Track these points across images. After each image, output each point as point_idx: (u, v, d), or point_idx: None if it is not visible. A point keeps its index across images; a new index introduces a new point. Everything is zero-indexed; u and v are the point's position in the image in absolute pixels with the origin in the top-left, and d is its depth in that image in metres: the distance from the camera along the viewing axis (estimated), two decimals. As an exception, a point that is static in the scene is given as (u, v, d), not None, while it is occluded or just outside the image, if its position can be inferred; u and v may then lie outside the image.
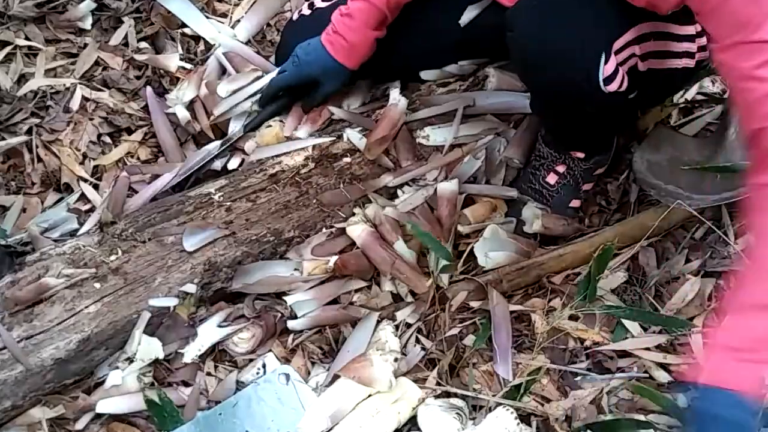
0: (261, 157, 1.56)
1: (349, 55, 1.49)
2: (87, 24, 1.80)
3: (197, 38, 1.84)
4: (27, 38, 1.76)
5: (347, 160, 1.57)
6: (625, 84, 1.30)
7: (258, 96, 1.62)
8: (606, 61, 1.24)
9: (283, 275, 1.46)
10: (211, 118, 1.71)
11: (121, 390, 1.33)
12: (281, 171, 1.54)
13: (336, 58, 1.49)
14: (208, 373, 1.39)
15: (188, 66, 1.80)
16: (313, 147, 1.58)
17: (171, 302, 1.39)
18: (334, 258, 1.45)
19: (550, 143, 1.55)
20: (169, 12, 1.83)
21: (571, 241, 1.53)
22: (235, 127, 1.70)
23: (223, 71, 1.77)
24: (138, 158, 1.70)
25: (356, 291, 1.46)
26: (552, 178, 1.56)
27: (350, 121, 1.62)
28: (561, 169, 1.55)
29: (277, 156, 1.56)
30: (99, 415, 1.32)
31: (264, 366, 1.38)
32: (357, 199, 1.54)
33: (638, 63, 1.31)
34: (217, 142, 1.65)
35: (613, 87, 1.28)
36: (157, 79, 1.80)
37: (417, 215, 1.51)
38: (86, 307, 1.34)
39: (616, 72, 1.27)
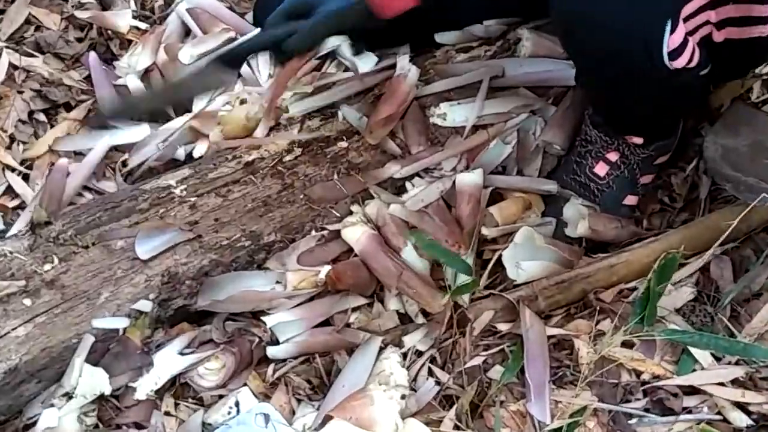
0: (229, 144, 1.56)
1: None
2: (15, -27, 1.81)
3: (154, -9, 1.84)
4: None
5: (343, 144, 1.57)
6: (696, 58, 1.28)
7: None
8: (672, 31, 1.23)
9: (262, 290, 1.45)
10: (172, 90, 1.71)
11: (58, 434, 1.31)
12: (260, 158, 1.54)
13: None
14: (167, 413, 1.38)
15: (143, 26, 1.80)
16: (300, 127, 1.57)
17: (120, 323, 1.38)
18: (326, 268, 1.44)
19: (600, 125, 1.54)
20: (119, -42, 1.84)
21: (625, 247, 1.52)
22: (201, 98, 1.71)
23: (187, 32, 1.77)
24: (79, 141, 1.69)
25: (354, 310, 1.46)
26: (602, 169, 1.55)
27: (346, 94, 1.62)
28: (613, 157, 1.55)
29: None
30: (29, 466, 1.31)
31: (237, 404, 1.36)
32: (355, 194, 1.53)
33: (713, 32, 1.30)
34: (180, 120, 1.65)
35: (680, 63, 1.26)
36: (103, 42, 1.79)
37: (430, 215, 1.51)
38: (13, 329, 1.32)
39: (684, 44, 1.25)
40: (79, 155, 1.65)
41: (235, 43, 1.59)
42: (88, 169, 1.57)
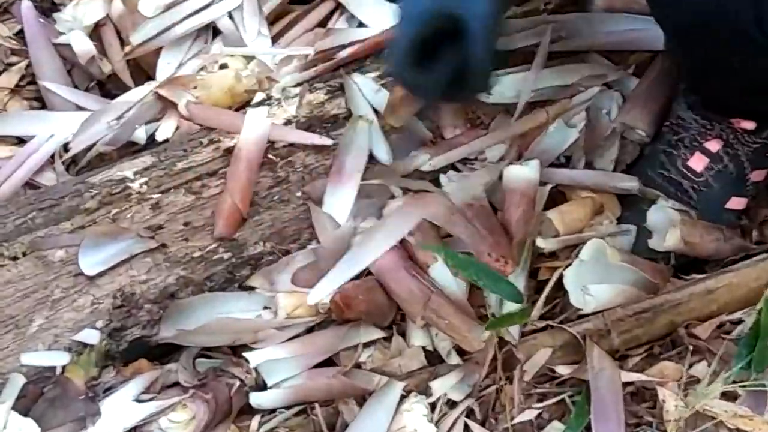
0: (206, 122, 1.58)
1: None
2: None
3: None
4: None
5: (354, 125, 1.58)
6: None
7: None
8: None
9: (245, 317, 1.45)
10: (127, 49, 1.72)
11: (-25, 504, 1.33)
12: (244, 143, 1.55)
13: None
14: (119, 479, 1.38)
15: (92, -35, 1.80)
16: (298, 102, 1.57)
17: (58, 359, 1.39)
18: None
19: (697, 104, 1.54)
20: None
21: (727, 266, 1.52)
22: (168, 63, 1.71)
23: (151, -27, 1.78)
24: (8, 116, 1.71)
25: (366, 345, 1.46)
26: (699, 162, 1.55)
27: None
28: (714, 146, 1.54)
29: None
30: None
31: (211, 468, 1.37)
32: (370, 192, 1.54)
33: None
34: (140, 90, 1.67)
35: None
36: (40, -14, 1.80)
37: (469, 219, 1.51)
38: None
39: None
40: (9, 139, 1.67)
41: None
42: (31, 166, 1.60)
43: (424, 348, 1.46)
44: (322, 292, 1.44)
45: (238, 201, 1.48)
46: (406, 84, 1.38)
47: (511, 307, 1.43)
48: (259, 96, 1.61)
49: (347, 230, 1.49)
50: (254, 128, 1.53)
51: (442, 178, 1.56)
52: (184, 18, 1.72)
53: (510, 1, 1.43)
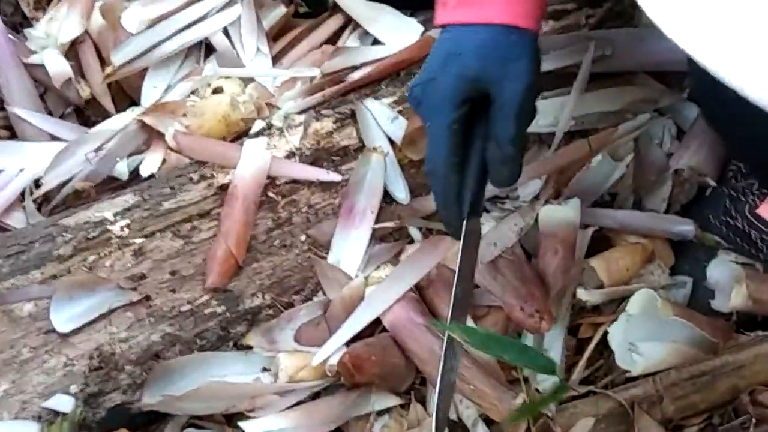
0: (197, 155, 1.57)
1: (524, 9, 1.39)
2: None
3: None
4: None
5: (367, 159, 1.58)
6: None
7: None
8: None
9: (240, 381, 1.45)
10: (108, 70, 1.72)
11: None
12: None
13: (504, 21, 1.38)
14: None
15: (69, -24, 1.81)
16: (303, 133, 1.57)
17: (26, 430, 1.37)
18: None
19: None
20: None
21: (799, 325, 1.51)
22: (154, 86, 1.71)
23: (133, -16, 1.78)
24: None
25: (380, 414, 1.46)
26: (769, 210, 1.55)
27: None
28: (788, 192, 1.55)
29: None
30: None
31: None
32: (385, 236, 1.54)
33: None
34: (122, 117, 1.67)
35: None
36: (11, 0, 1.80)
37: (498, 268, 1.50)
38: None
39: None
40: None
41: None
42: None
43: (447, 418, 1.44)
44: (330, 352, 1.44)
45: (233, 246, 1.47)
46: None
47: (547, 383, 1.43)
48: (258, 125, 1.60)
49: (359, 282, 1.47)
50: (252, 162, 1.53)
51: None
52: (173, 34, 1.73)
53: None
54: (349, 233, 1.52)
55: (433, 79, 1.28)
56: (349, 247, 1.51)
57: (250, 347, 1.48)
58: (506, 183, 1.28)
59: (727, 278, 1.52)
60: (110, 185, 1.62)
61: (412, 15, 1.71)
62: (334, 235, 1.52)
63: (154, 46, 1.73)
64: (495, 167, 1.27)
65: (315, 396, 1.46)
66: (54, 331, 1.41)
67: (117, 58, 1.71)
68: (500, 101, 1.25)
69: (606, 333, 1.47)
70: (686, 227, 1.57)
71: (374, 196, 1.54)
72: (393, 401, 1.46)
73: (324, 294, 1.51)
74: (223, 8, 1.76)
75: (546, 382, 1.45)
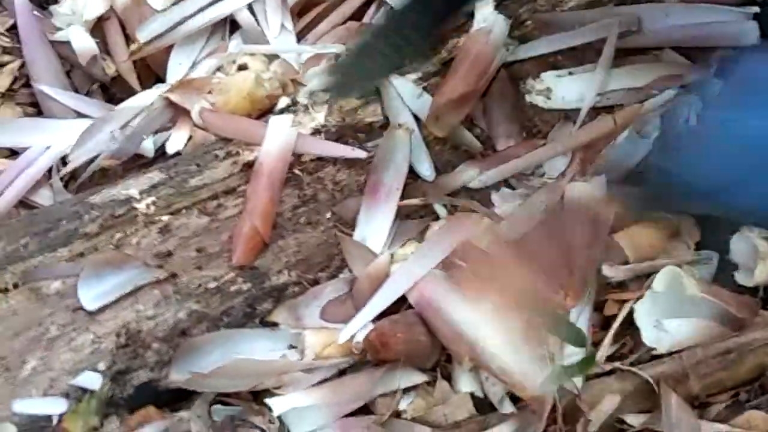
0: (223, 131, 1.57)
1: None
2: None
3: None
4: None
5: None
6: None
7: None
8: None
9: (267, 358, 1.45)
10: (134, 47, 1.73)
11: None
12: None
13: None
14: None
15: (95, -47, 1.81)
16: (328, 110, 1.57)
17: (54, 407, 1.38)
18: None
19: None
20: None
21: (827, 301, 1.51)
22: (179, 63, 1.71)
23: (163, -39, 1.78)
24: (-1, 123, 1.72)
25: (407, 391, 1.46)
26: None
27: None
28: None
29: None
30: None
31: None
32: (411, 213, 1.54)
33: None
34: (148, 94, 1.67)
35: None
36: (36, -23, 1.81)
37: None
38: None
39: None
40: (1, 150, 1.68)
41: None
42: (26, 182, 1.59)
43: (472, 394, 1.46)
44: (356, 329, 1.44)
45: (258, 224, 1.47)
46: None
47: (573, 348, 1.41)
48: (284, 101, 1.60)
49: (384, 259, 1.47)
50: (278, 139, 1.53)
51: (494, 196, 1.56)
52: (198, 11, 1.73)
53: None
54: (374, 210, 1.52)
55: None
56: (375, 224, 1.52)
57: (276, 324, 1.49)
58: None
59: (749, 254, 1.51)
60: (136, 162, 1.63)
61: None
62: (360, 213, 1.52)
63: (180, 23, 1.73)
64: None
65: (341, 373, 1.46)
66: (81, 308, 1.42)
67: (142, 35, 1.71)
68: None
69: (632, 310, 1.47)
70: (712, 203, 1.55)
71: (400, 173, 1.54)
72: (419, 378, 1.46)
73: (350, 271, 1.51)
74: (248, -15, 1.75)
75: (572, 358, 1.44)
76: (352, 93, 1.51)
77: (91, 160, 1.62)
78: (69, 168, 1.63)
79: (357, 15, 1.77)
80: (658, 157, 1.35)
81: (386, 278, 1.47)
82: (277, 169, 1.52)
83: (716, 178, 1.29)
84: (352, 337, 1.44)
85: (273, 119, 1.56)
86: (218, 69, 1.68)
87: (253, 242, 1.48)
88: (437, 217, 1.55)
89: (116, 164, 1.62)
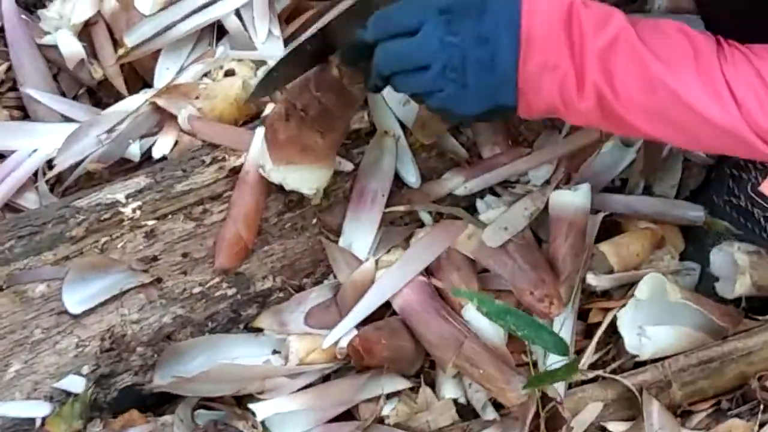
0: (210, 137, 1.57)
1: None
2: None
3: None
4: None
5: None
6: None
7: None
8: None
9: (251, 362, 1.45)
10: (121, 50, 1.72)
11: None
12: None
13: None
14: None
15: (83, -44, 1.80)
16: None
17: (38, 410, 1.38)
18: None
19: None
20: None
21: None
22: (166, 68, 1.71)
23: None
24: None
25: (390, 397, 1.46)
26: (774, 187, 1.54)
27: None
28: (792, 169, 1.54)
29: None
30: None
31: None
32: (395, 219, 1.54)
33: None
34: (135, 98, 1.67)
35: None
36: (24, -19, 1.81)
37: (509, 252, 1.51)
38: None
39: None
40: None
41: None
42: (11, 185, 1.60)
43: (455, 401, 1.46)
44: (340, 335, 1.44)
45: (242, 230, 1.47)
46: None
47: (556, 356, 1.41)
48: (270, 108, 1.59)
49: (369, 266, 1.47)
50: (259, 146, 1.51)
51: (479, 203, 1.56)
52: (186, 16, 1.72)
53: None
54: (360, 216, 1.52)
55: None
56: (360, 230, 1.51)
57: (260, 330, 1.48)
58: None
59: (728, 265, 1.52)
60: (123, 167, 1.62)
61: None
62: (345, 219, 1.52)
63: (167, 28, 1.72)
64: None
65: (325, 378, 1.46)
66: (66, 312, 1.41)
67: (130, 39, 1.70)
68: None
69: (615, 318, 1.47)
70: (696, 213, 1.57)
71: (385, 180, 1.54)
72: (402, 384, 1.46)
73: (335, 277, 1.51)
74: (235, -9, 1.75)
75: (555, 366, 1.44)
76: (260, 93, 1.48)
77: (77, 164, 1.61)
78: (55, 171, 1.63)
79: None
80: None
81: (371, 285, 1.47)
82: (263, 175, 1.51)
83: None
84: (336, 342, 1.44)
85: (260, 128, 1.54)
86: (205, 74, 1.67)
87: (236, 248, 1.48)
88: (422, 224, 1.55)
89: (102, 168, 1.61)
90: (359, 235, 1.51)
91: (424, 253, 1.50)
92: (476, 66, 1.20)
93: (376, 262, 1.50)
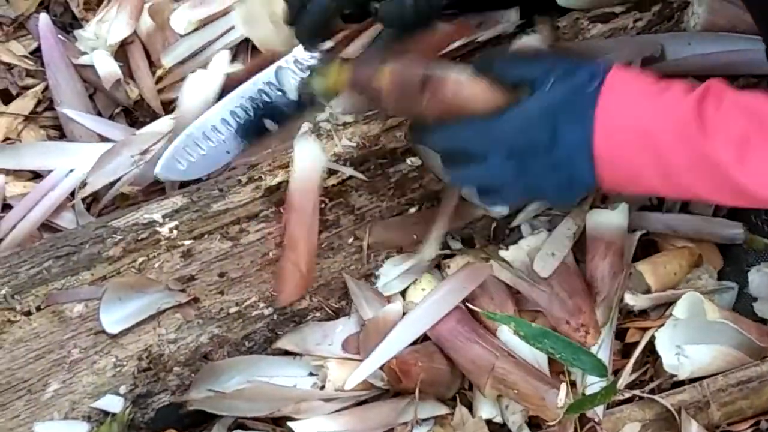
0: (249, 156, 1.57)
1: None
2: None
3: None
4: None
5: (412, 162, 1.57)
6: None
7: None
8: None
9: (288, 384, 1.45)
10: (160, 72, 1.73)
11: None
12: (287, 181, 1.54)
13: None
14: None
15: (118, -23, 1.81)
16: (351, 135, 1.57)
17: (76, 430, 1.39)
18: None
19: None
20: None
21: None
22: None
23: (185, -14, 1.79)
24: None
25: (426, 421, 1.46)
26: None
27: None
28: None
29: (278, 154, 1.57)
30: None
31: None
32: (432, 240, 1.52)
33: None
34: (170, 119, 1.67)
35: None
36: (60, 1, 1.81)
37: (548, 279, 1.51)
38: None
39: None
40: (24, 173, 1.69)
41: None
42: (49, 205, 1.61)
43: (489, 421, 1.45)
44: (372, 369, 1.44)
45: (300, 260, 1.46)
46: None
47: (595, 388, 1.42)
48: (305, 125, 1.58)
49: (397, 308, 1.49)
50: (308, 167, 1.51)
51: (524, 226, 1.57)
52: (222, 35, 1.72)
53: None
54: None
55: None
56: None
57: (299, 353, 1.48)
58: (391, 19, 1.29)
59: (767, 286, 1.51)
60: (158, 187, 1.64)
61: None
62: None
63: (203, 47, 1.73)
64: None
65: (362, 402, 1.45)
66: (104, 332, 1.42)
67: (167, 59, 1.71)
68: None
69: (653, 338, 1.46)
70: (735, 231, 1.56)
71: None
72: (440, 410, 1.46)
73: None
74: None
75: (593, 387, 1.44)
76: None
77: (113, 183, 1.62)
78: (87, 191, 1.63)
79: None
80: None
81: (395, 325, 1.46)
82: (310, 200, 1.50)
83: None
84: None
85: (300, 145, 1.53)
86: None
87: (296, 280, 1.47)
88: (450, 249, 1.55)
89: (137, 190, 1.62)
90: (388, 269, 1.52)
91: (459, 288, 1.49)
92: (552, 187, 1.24)
93: (405, 290, 1.51)
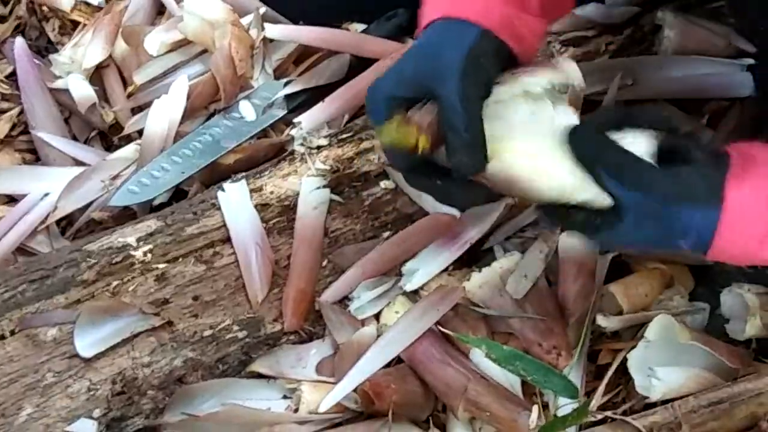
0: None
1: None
2: None
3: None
4: None
5: (389, 184, 1.58)
6: None
7: None
8: None
9: (262, 408, 1.44)
10: (130, 89, 1.76)
11: None
12: (261, 204, 1.55)
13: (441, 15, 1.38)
14: None
15: (95, 1, 1.81)
16: (324, 157, 1.58)
17: (50, 454, 1.38)
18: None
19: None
20: None
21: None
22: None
23: (160, 10, 1.78)
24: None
25: (399, 441, 1.44)
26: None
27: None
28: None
29: (257, 174, 1.58)
30: None
31: None
32: (403, 263, 1.53)
33: None
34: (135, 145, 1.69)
35: None
36: (36, 23, 1.81)
37: (519, 301, 1.50)
38: None
39: None
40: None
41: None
42: (23, 229, 1.61)
43: (464, 443, 1.44)
44: (345, 392, 1.43)
45: (306, 285, 1.50)
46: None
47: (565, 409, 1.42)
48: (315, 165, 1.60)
49: (371, 332, 1.48)
50: (312, 202, 1.55)
51: (497, 248, 1.57)
52: (194, 57, 1.73)
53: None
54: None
55: (376, 80, 1.29)
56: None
57: (272, 376, 1.47)
58: (467, 169, 1.25)
59: (740, 307, 1.51)
60: (129, 212, 1.64)
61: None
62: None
63: (176, 67, 1.73)
64: (453, 153, 1.25)
65: (336, 425, 1.44)
66: (77, 355, 1.42)
67: (139, 77, 1.72)
68: (440, 96, 1.24)
69: (625, 359, 1.46)
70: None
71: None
72: (413, 432, 1.45)
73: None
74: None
75: (565, 408, 1.44)
76: None
77: (85, 208, 1.63)
78: (57, 215, 1.64)
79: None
80: None
81: (368, 349, 1.45)
82: (317, 235, 1.54)
83: None
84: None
85: (306, 181, 1.57)
86: (211, 115, 1.69)
87: (303, 304, 1.50)
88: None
89: (107, 216, 1.63)
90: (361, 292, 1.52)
91: (432, 311, 1.48)
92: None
93: (378, 314, 1.51)
